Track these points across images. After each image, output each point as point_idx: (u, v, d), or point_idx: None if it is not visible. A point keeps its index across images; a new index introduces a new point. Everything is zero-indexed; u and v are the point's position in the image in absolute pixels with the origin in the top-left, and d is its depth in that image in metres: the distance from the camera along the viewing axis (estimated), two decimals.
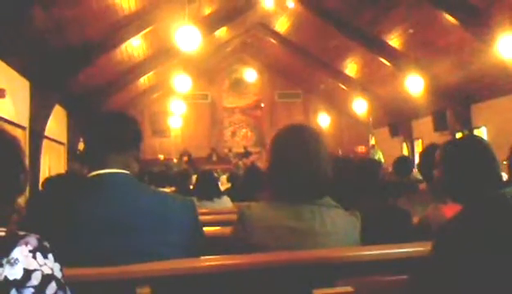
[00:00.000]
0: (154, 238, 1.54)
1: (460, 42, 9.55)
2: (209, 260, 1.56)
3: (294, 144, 1.78)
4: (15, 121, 8.08)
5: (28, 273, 1.01)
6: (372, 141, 15.52)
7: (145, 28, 9.99)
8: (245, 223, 1.71)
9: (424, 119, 13.47)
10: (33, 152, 8.53)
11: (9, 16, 6.33)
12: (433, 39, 10.22)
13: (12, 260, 1.01)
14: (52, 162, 10.27)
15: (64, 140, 11.36)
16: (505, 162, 2.70)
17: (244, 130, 18.81)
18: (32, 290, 1.01)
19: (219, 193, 4.74)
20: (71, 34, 8.46)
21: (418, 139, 14.29)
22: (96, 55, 9.56)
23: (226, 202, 4.61)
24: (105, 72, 11.14)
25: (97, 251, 1.46)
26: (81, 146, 10.92)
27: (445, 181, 1.65)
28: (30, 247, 1.04)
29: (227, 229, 1.93)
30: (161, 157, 15.70)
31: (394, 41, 11.16)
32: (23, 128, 8.43)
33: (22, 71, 8.24)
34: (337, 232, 1.71)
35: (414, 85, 10.82)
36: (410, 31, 10.38)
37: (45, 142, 9.32)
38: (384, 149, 14.79)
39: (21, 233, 1.07)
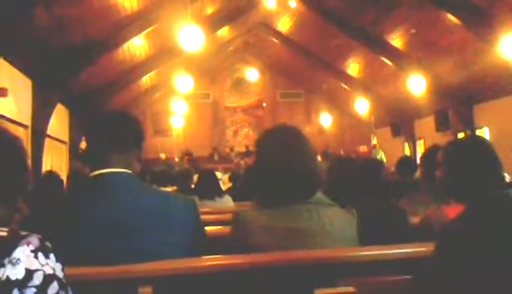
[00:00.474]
0: (156, 238, 1.54)
1: (463, 41, 9.54)
2: (211, 260, 1.56)
3: (277, 144, 1.78)
4: (18, 120, 8.09)
5: (29, 273, 1.01)
6: (374, 141, 15.51)
7: (147, 28, 10.01)
8: (242, 225, 1.71)
9: (426, 119, 13.45)
10: (36, 151, 8.55)
11: (11, 15, 6.34)
12: (436, 39, 10.20)
13: (14, 260, 1.01)
14: (54, 161, 10.28)
15: (66, 138, 11.38)
16: None
17: (245, 129, 18.82)
18: (34, 290, 1.01)
19: (221, 193, 4.74)
20: (73, 33, 8.47)
21: (420, 139, 14.27)
22: (99, 54, 9.57)
23: (227, 202, 4.61)
24: (107, 71, 11.15)
25: (99, 251, 1.46)
26: (83, 145, 10.94)
27: (447, 182, 1.65)
28: (32, 247, 1.04)
29: (229, 229, 1.92)
30: (163, 156, 15.71)
31: (396, 41, 11.15)
32: (25, 127, 8.44)
33: (24, 70, 8.25)
34: (334, 230, 1.71)
35: (416, 85, 10.81)
36: (413, 31, 10.37)
37: (47, 141, 9.33)
38: (385, 149, 14.79)
39: (23, 233, 1.07)
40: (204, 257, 1.58)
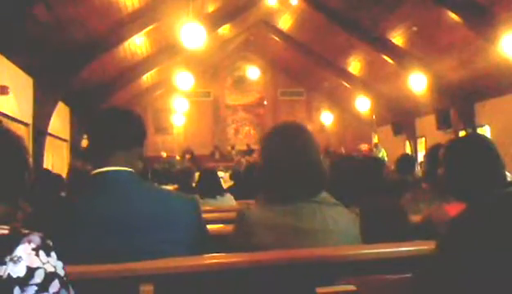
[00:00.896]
0: (158, 237, 1.54)
1: (464, 40, 9.53)
2: (212, 258, 1.56)
3: (283, 142, 1.78)
4: (19, 118, 8.10)
5: (31, 271, 1.01)
6: (375, 139, 15.50)
7: (148, 26, 10.00)
8: (246, 223, 1.71)
9: (427, 117, 13.45)
10: (37, 149, 8.56)
11: (12, 14, 6.34)
12: (437, 37, 10.20)
13: (15, 258, 1.01)
14: (55, 159, 10.30)
15: (67, 137, 11.40)
16: None
17: (246, 127, 18.82)
18: (35, 288, 1.01)
19: (222, 191, 4.74)
20: (74, 31, 8.47)
21: (421, 137, 14.27)
22: (100, 52, 9.57)
23: (229, 200, 4.60)
24: (108, 69, 11.16)
25: (100, 250, 1.46)
26: (84, 143, 10.95)
27: (448, 180, 1.65)
28: (33, 245, 1.04)
29: (230, 227, 1.92)
30: (164, 154, 15.72)
31: (398, 39, 11.14)
32: (26, 125, 8.45)
33: (25, 68, 8.26)
34: (338, 230, 1.71)
35: (417, 83, 10.81)
36: (414, 29, 10.36)
37: (48, 139, 9.35)
38: (387, 148, 14.78)
39: (24, 231, 1.07)
40: (206, 256, 1.58)
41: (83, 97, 10.83)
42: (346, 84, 15.26)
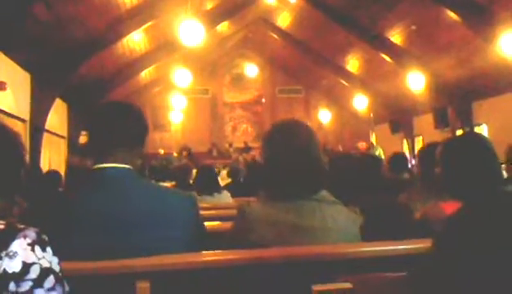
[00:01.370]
0: (155, 234, 1.54)
1: (462, 39, 9.54)
2: (209, 255, 1.56)
3: (284, 139, 1.78)
4: (16, 114, 8.08)
5: (26, 267, 1.01)
6: (373, 138, 15.51)
7: (146, 22, 9.99)
8: (246, 219, 1.71)
9: (424, 116, 13.47)
10: (34, 145, 8.54)
11: (11, 10, 6.32)
12: (435, 36, 10.20)
13: (11, 253, 1.01)
14: (53, 156, 10.28)
15: (64, 133, 11.37)
16: (504, 166, 2.71)
17: (244, 125, 18.81)
18: (30, 283, 1.01)
19: (219, 188, 4.75)
20: (72, 27, 8.44)
21: (419, 136, 14.28)
22: (98, 48, 9.55)
23: (226, 197, 4.61)
24: (106, 66, 11.14)
25: (96, 246, 1.46)
26: (82, 139, 10.93)
27: (445, 178, 1.65)
28: (29, 240, 1.04)
29: (227, 224, 1.92)
30: (161, 151, 15.71)
31: (396, 37, 11.14)
32: (23, 121, 8.43)
33: (23, 64, 8.24)
34: (338, 228, 1.71)
35: (415, 81, 10.82)
36: (413, 27, 10.36)
37: (45, 135, 9.32)
38: (384, 146, 14.79)
39: (20, 226, 1.07)
40: (203, 252, 1.58)
41: (80, 94, 10.80)
42: (344, 82, 15.26)
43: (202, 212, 1.90)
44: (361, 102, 14.41)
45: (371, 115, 15.19)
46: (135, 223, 1.53)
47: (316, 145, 1.80)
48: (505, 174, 3.26)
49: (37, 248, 1.05)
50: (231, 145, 17.28)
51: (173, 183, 5.90)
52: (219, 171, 8.66)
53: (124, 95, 13.47)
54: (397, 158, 4.61)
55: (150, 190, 1.67)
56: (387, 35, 11.24)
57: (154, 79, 15.24)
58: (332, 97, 17.94)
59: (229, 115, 18.82)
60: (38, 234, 1.07)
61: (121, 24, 9.52)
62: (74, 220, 1.51)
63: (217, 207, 3.75)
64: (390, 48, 11.53)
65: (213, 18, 12.11)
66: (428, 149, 2.94)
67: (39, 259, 1.04)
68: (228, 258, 1.55)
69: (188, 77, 12.15)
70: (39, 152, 8.80)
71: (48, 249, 1.08)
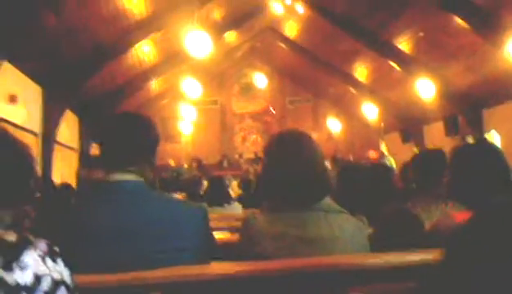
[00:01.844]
0: (165, 245, 1.54)
1: (471, 45, 9.49)
2: (221, 267, 1.56)
3: (285, 150, 1.77)
4: (27, 126, 8.15)
5: (37, 278, 1.02)
6: (383, 147, 15.42)
7: (155, 34, 10.06)
8: (251, 232, 1.71)
9: (435, 124, 13.38)
10: (45, 158, 8.60)
11: (21, 23, 6.40)
12: (444, 43, 10.16)
13: (22, 265, 1.01)
14: (64, 168, 10.33)
15: (76, 145, 11.45)
16: None
17: (254, 135, 18.80)
18: None
19: (230, 200, 4.75)
20: (82, 40, 8.53)
21: (429, 144, 14.17)
22: (107, 60, 9.63)
23: (237, 209, 4.61)
24: (115, 77, 11.22)
25: (107, 259, 1.46)
26: (92, 151, 10.99)
27: (455, 186, 1.64)
28: (40, 252, 1.05)
29: (237, 236, 1.92)
30: (172, 163, 15.73)
31: (404, 45, 11.12)
32: (35, 134, 8.50)
33: (34, 77, 8.33)
34: (345, 237, 1.70)
35: (424, 89, 10.76)
36: (420, 34, 10.33)
37: (57, 148, 9.39)
38: (395, 155, 14.70)
39: (31, 237, 1.07)
40: (214, 264, 1.57)
41: (91, 106, 10.89)
42: (353, 91, 15.22)
43: (212, 223, 1.90)
44: (370, 111, 14.35)
45: (382, 124, 15.12)
46: (145, 235, 1.53)
47: (320, 156, 1.79)
48: None
49: (48, 260, 1.05)
50: (241, 156, 17.26)
51: (184, 194, 5.91)
52: (230, 183, 8.65)
53: (134, 107, 13.56)
54: (407, 168, 4.55)
55: (160, 202, 1.67)
56: (395, 43, 11.22)
57: (163, 90, 15.33)
58: (341, 106, 17.89)
59: (239, 126, 18.83)
60: (49, 246, 1.08)
61: (130, 35, 9.60)
62: (85, 232, 1.52)
63: (227, 218, 3.75)
64: (398, 56, 11.50)
65: (221, 28, 12.19)
66: (422, 156, 2.94)
67: (50, 271, 1.04)
68: (239, 270, 1.54)
69: (197, 88, 12.21)
70: (51, 164, 8.86)
71: (59, 261, 1.08)
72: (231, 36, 13.87)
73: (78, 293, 1.11)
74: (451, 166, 1.69)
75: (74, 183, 5.95)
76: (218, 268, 1.55)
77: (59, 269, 1.06)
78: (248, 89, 18.78)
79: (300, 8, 12.20)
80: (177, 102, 16.10)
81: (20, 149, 1.24)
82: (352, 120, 17.87)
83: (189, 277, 1.47)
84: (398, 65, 11.75)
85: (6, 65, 7.05)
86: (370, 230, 1.87)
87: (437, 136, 13.24)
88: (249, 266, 1.56)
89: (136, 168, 1.63)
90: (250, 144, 18.52)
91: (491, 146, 1.67)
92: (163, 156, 15.94)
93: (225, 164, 16.67)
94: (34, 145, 8.22)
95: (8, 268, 1.00)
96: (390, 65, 12.00)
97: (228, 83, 18.75)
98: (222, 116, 18.61)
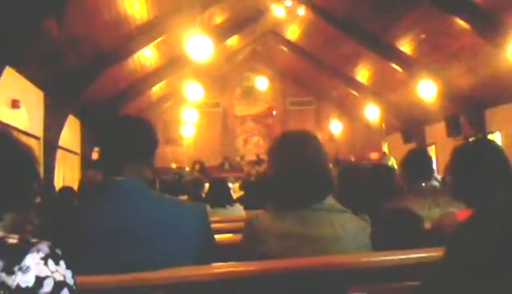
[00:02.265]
0: (165, 246, 1.54)
1: (473, 46, 9.49)
2: (223, 267, 1.56)
3: (290, 149, 1.78)
4: (30, 131, 8.17)
5: (40, 281, 1.02)
6: (385, 148, 15.41)
7: (156, 38, 10.09)
8: (254, 232, 1.71)
9: (437, 125, 13.37)
10: (48, 162, 8.62)
11: (23, 28, 6.42)
12: (445, 44, 10.16)
13: (24, 268, 1.01)
14: (67, 172, 10.36)
15: (78, 149, 11.47)
16: None
17: (256, 138, 18.80)
18: None
19: (232, 201, 4.75)
20: (84, 45, 8.56)
21: (431, 145, 14.17)
22: (109, 65, 9.65)
23: (238, 210, 4.61)
24: (118, 82, 11.25)
25: (107, 260, 1.46)
26: (95, 156, 11.01)
27: (456, 185, 1.64)
28: (42, 255, 1.05)
29: (239, 237, 1.92)
30: (174, 165, 15.74)
31: (406, 46, 11.12)
32: (37, 138, 8.52)
33: (36, 82, 8.35)
34: (347, 237, 1.70)
35: (426, 90, 10.76)
36: (422, 36, 10.34)
37: (59, 152, 9.41)
38: (397, 156, 14.68)
39: (33, 240, 1.08)
40: (216, 264, 1.58)
41: (93, 110, 10.91)
42: (355, 93, 15.23)
43: (214, 225, 1.90)
44: (372, 112, 14.36)
45: (383, 125, 15.11)
46: (145, 235, 1.53)
47: (324, 155, 1.80)
48: None
49: (50, 262, 1.05)
50: (242, 158, 17.26)
51: (186, 197, 5.91)
52: (232, 185, 8.66)
53: (136, 111, 13.58)
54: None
55: (160, 202, 1.68)
56: (397, 45, 11.22)
57: (165, 94, 15.35)
58: (343, 108, 17.90)
59: (240, 128, 18.84)
60: (51, 248, 1.08)
61: (132, 40, 9.63)
62: (86, 234, 1.52)
63: (229, 220, 3.75)
64: (400, 58, 11.50)
65: (223, 32, 12.21)
66: (411, 156, 2.96)
67: (53, 272, 1.05)
68: (241, 270, 1.55)
69: (199, 91, 12.22)
70: (53, 168, 8.87)
71: (62, 263, 1.08)
72: (232, 39, 13.89)
73: None
74: (452, 164, 1.70)
75: (75, 186, 5.96)
76: (222, 268, 1.56)
77: (61, 271, 1.07)
78: (249, 92, 18.79)
79: (302, 11, 12.21)
80: (179, 105, 16.12)
81: (24, 152, 1.24)
82: (354, 122, 17.88)
83: (191, 277, 1.47)
84: (400, 67, 11.75)
85: (9, 70, 7.07)
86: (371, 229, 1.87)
87: (438, 137, 13.23)
88: (251, 266, 1.56)
89: (135, 170, 1.64)
90: (252, 147, 18.52)
91: (492, 144, 1.67)
92: (165, 159, 15.98)
93: (226, 166, 16.65)
94: (37, 150, 8.24)
95: (10, 271, 1.00)
96: (392, 67, 12.01)
97: (230, 86, 18.77)
98: (224, 119, 18.62)
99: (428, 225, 2.31)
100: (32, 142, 8.13)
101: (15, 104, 7.49)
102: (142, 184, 1.64)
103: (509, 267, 0.96)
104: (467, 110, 11.67)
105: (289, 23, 13.77)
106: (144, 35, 9.74)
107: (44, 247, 1.06)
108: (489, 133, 11.32)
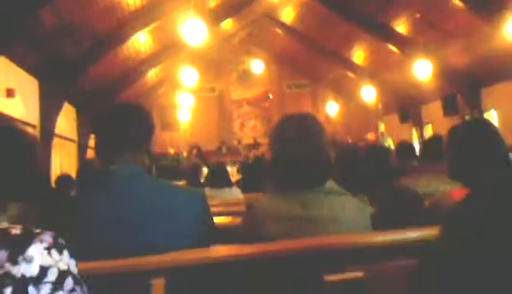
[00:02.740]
0: (164, 231, 1.55)
1: (469, 25, 9.46)
2: (222, 251, 1.58)
3: (293, 132, 1.79)
4: (26, 120, 8.15)
5: (44, 270, 1.03)
6: (382, 128, 15.45)
7: (151, 24, 10.02)
8: (254, 215, 1.73)
9: (433, 104, 13.38)
10: (44, 150, 8.61)
11: (16, 17, 6.37)
12: (441, 23, 10.12)
13: (28, 258, 1.02)
14: (63, 160, 10.36)
15: (74, 137, 11.46)
16: None
17: (252, 121, 18.79)
18: (49, 286, 1.03)
19: (230, 184, 4.81)
20: (78, 32, 8.50)
21: (428, 124, 14.20)
22: (104, 52, 9.60)
23: (236, 193, 4.65)
24: (112, 68, 11.19)
25: (107, 247, 1.47)
26: (92, 143, 11.01)
27: (451, 164, 1.66)
28: (45, 245, 1.06)
29: (238, 220, 1.94)
30: (171, 151, 15.74)
31: (401, 26, 11.08)
32: (33, 127, 8.51)
33: (30, 70, 8.31)
34: (347, 219, 1.72)
35: (422, 70, 10.74)
36: (417, 16, 10.29)
37: (55, 140, 9.40)
38: (393, 136, 14.72)
39: (36, 230, 1.09)
40: (215, 248, 1.60)
41: (88, 98, 10.88)
42: (351, 74, 15.21)
43: (212, 209, 1.92)
44: (368, 93, 14.35)
45: (379, 106, 15.12)
46: (144, 222, 1.54)
47: (325, 138, 1.82)
48: None
49: (53, 252, 1.07)
50: (239, 142, 17.27)
51: (184, 182, 5.93)
52: (229, 168, 8.68)
53: (132, 97, 13.55)
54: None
55: (157, 187, 1.68)
56: (392, 25, 11.17)
57: (160, 79, 15.29)
58: (339, 90, 17.88)
59: (237, 112, 18.81)
60: (55, 238, 1.09)
61: (126, 26, 9.56)
62: (84, 222, 1.54)
63: (227, 204, 3.78)
64: (396, 38, 11.46)
65: (217, 16, 12.12)
66: (404, 144, 3.00)
67: (56, 262, 1.06)
68: (241, 253, 1.56)
69: (195, 76, 12.18)
70: (50, 156, 8.87)
71: (65, 252, 1.10)
72: (227, 23, 13.80)
73: (83, 281, 1.13)
74: (447, 144, 1.71)
75: (73, 173, 5.98)
76: (221, 251, 1.58)
77: (65, 261, 1.08)
78: (245, 76, 18.73)
79: None
80: (174, 91, 16.08)
81: (29, 142, 1.25)
82: (350, 103, 17.88)
83: (191, 261, 1.49)
84: (396, 47, 11.72)
85: (3, 60, 7.03)
86: (371, 209, 1.90)
87: (435, 116, 13.25)
88: (252, 249, 1.58)
89: (131, 157, 1.65)
90: (249, 130, 18.52)
91: (486, 123, 1.69)
92: (163, 144, 15.96)
93: (224, 150, 16.68)
94: None
95: (14, 261, 1.01)
96: (388, 48, 11.98)
97: (226, 70, 18.70)
98: (220, 103, 18.59)
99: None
100: (28, 130, 8.12)
101: (10, 92, 7.46)
102: (140, 171, 1.65)
103: (501, 245, 0.98)
104: (463, 89, 11.68)
105: (283, 5, 13.68)
106: (138, 20, 9.67)
107: (47, 238, 1.08)
108: (485, 111, 11.35)
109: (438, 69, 10.88)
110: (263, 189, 4.37)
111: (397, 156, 4.41)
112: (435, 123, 13.35)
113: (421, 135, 14.18)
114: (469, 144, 1.61)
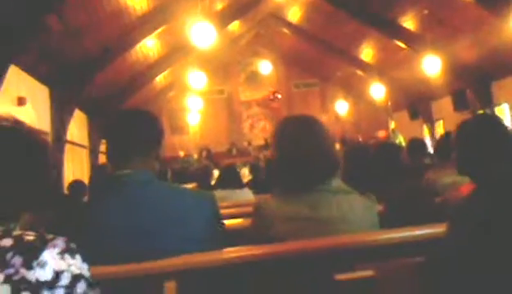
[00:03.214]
0: (175, 235, 1.57)
1: (477, 18, 9.39)
2: (232, 252, 1.59)
3: (293, 132, 1.80)
4: (37, 127, 8.19)
5: (57, 274, 1.05)
6: (392, 125, 15.38)
7: (158, 28, 10.07)
8: (262, 216, 1.74)
9: (443, 99, 13.30)
10: (56, 156, 8.69)
11: (24, 26, 6.43)
12: (449, 18, 10.06)
13: (42, 263, 1.05)
14: (76, 166, 10.44)
15: (86, 143, 11.54)
16: None
17: (262, 122, 18.78)
18: (63, 290, 1.05)
19: (242, 185, 4.82)
20: (86, 39, 8.56)
21: (438, 120, 14.11)
22: (112, 57, 9.66)
23: (247, 194, 4.66)
24: (121, 74, 11.25)
25: (119, 252, 1.49)
26: (103, 148, 11.08)
27: (459, 160, 1.66)
28: (58, 250, 1.08)
29: (247, 221, 1.95)
30: (181, 154, 15.80)
31: (409, 23, 11.02)
32: (45, 134, 8.54)
33: (41, 78, 8.39)
34: (355, 218, 1.73)
35: (431, 66, 10.67)
36: (425, 12, 10.23)
37: (67, 146, 9.48)
38: (404, 133, 14.64)
39: (49, 236, 1.11)
40: (226, 250, 1.61)
41: (99, 103, 10.96)
42: (360, 72, 15.14)
43: (223, 210, 1.93)
44: (378, 91, 14.28)
45: (389, 103, 15.05)
46: (156, 227, 1.56)
47: (326, 137, 1.82)
48: None
49: (66, 256, 1.09)
50: (249, 143, 17.27)
51: (195, 184, 5.94)
52: (240, 170, 8.69)
53: (141, 101, 13.62)
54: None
55: (168, 192, 1.71)
56: (400, 21, 11.12)
57: (169, 83, 15.35)
58: (348, 88, 17.81)
59: (246, 113, 18.81)
60: (67, 243, 1.11)
61: (133, 31, 9.62)
62: (98, 227, 1.55)
63: (238, 205, 3.79)
64: (404, 34, 11.40)
65: (224, 18, 12.14)
66: (415, 141, 2.99)
67: (69, 266, 1.08)
68: (251, 254, 1.57)
69: (203, 79, 12.22)
70: (62, 163, 8.95)
71: (78, 256, 1.12)
72: (234, 25, 13.82)
73: (96, 285, 1.15)
74: (455, 139, 1.71)
75: (85, 179, 6.02)
76: (232, 253, 1.59)
77: (78, 265, 1.10)
78: (254, 77, 18.73)
79: None
80: (183, 94, 16.12)
81: (43, 149, 1.27)
82: (360, 101, 17.81)
83: (202, 263, 1.50)
84: (404, 44, 11.66)
85: (13, 69, 7.10)
86: (379, 207, 1.90)
87: (445, 112, 13.16)
88: (262, 250, 1.59)
89: (141, 162, 1.67)
90: (259, 131, 18.50)
91: (494, 118, 1.69)
92: (173, 148, 16.04)
93: (234, 152, 16.69)
94: None
95: (29, 266, 1.04)
96: (396, 44, 11.92)
97: (234, 72, 18.72)
98: (230, 105, 18.61)
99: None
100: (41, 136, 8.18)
101: (21, 101, 7.55)
102: (151, 176, 1.67)
103: (507, 240, 0.98)
104: (473, 84, 11.59)
105: (290, 5, 13.67)
106: (145, 25, 9.72)
107: (60, 243, 1.10)
108: (497, 105, 11.25)
109: (447, 65, 10.81)
110: (271, 191, 4.38)
111: (408, 153, 4.39)
112: (446, 119, 13.26)
113: (432, 132, 14.09)
114: (476, 139, 1.61)
